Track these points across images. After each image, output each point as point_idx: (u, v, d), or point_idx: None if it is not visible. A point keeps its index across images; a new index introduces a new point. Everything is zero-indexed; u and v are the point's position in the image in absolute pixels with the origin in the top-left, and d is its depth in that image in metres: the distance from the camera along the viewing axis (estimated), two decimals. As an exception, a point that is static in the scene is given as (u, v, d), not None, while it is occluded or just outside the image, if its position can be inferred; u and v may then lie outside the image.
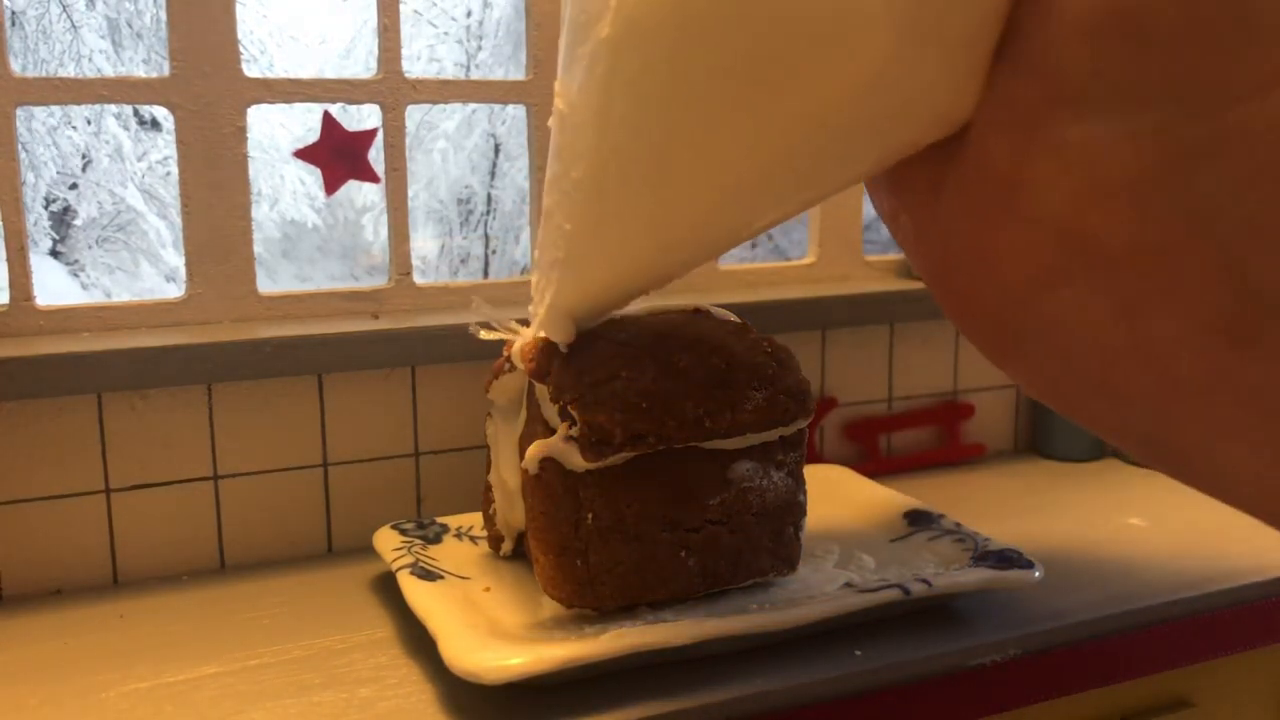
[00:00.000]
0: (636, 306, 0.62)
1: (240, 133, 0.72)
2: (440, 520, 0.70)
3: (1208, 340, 0.23)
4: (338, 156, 0.76)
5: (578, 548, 0.56)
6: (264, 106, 0.73)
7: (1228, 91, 0.22)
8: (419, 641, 0.59)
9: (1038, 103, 0.25)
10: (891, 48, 0.29)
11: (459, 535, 0.69)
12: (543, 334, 0.54)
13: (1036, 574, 0.60)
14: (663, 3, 0.34)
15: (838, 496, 0.74)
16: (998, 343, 0.30)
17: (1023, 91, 0.26)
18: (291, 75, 0.75)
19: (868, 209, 0.96)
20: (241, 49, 0.72)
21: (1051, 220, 0.25)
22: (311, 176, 5.28)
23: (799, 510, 0.62)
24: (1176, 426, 0.26)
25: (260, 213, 5.25)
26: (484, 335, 0.56)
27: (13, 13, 4.71)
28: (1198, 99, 0.22)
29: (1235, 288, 0.23)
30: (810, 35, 0.31)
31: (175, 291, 0.78)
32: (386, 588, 0.67)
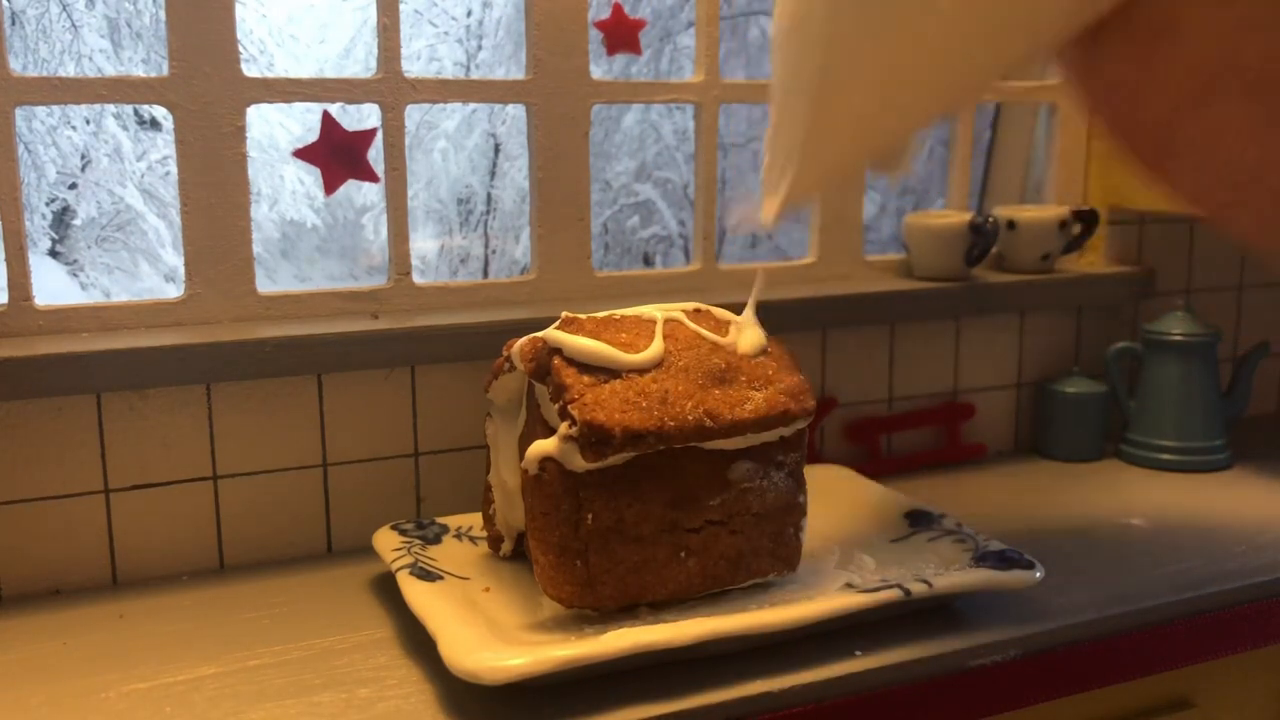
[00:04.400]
0: (635, 307, 0.62)
1: (239, 132, 0.72)
2: (440, 520, 0.70)
3: None
4: (337, 156, 0.76)
5: (578, 548, 0.56)
6: (263, 106, 0.74)
7: None
8: (419, 641, 0.59)
9: None
10: None
11: (459, 535, 0.69)
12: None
13: (1036, 574, 0.60)
14: None
15: (838, 496, 0.74)
16: (1155, 155, 0.34)
17: None
18: (291, 75, 0.75)
19: (868, 209, 0.96)
20: (241, 48, 0.72)
21: (1209, 50, 0.29)
22: (311, 176, 5.27)
23: (799, 511, 0.62)
24: None
25: (259, 213, 5.25)
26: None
27: (13, 13, 4.71)
28: None
29: None
30: None
31: (174, 291, 0.78)
32: (386, 588, 0.67)
